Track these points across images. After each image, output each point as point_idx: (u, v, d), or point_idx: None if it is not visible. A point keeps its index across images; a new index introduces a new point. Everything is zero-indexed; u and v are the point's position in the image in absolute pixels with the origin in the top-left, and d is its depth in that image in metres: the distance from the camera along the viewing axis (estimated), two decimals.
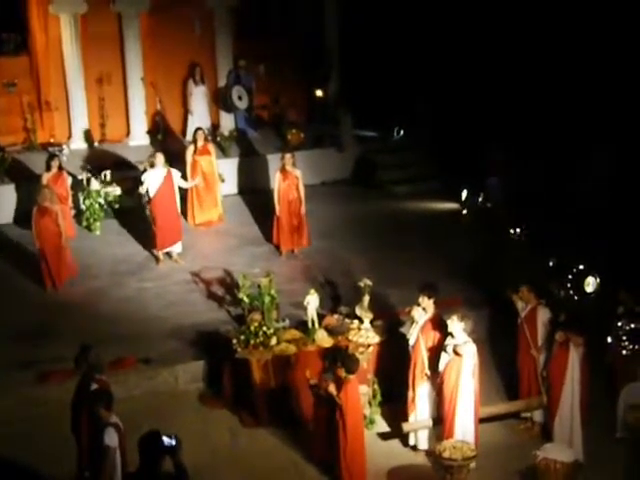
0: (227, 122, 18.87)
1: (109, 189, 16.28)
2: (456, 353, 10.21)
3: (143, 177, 14.86)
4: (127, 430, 8.56)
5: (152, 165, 14.89)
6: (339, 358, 10.24)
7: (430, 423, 10.83)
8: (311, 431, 10.64)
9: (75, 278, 14.12)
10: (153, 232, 14.79)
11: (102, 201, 16.15)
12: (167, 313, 13.29)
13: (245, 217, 16.85)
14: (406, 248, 15.39)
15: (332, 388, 9.91)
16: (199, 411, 11.52)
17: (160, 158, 14.77)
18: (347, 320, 12.06)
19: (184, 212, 15.81)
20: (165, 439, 7.28)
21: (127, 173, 16.80)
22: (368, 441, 10.32)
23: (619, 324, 11.55)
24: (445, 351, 10.36)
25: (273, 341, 11.48)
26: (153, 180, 14.64)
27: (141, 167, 15.95)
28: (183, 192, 15.53)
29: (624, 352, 11.39)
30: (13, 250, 15.15)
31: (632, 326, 11.49)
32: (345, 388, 9.86)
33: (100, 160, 17.22)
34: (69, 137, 17.84)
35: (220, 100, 18.70)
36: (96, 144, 17.90)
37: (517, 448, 10.69)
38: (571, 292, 13.19)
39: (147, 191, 14.76)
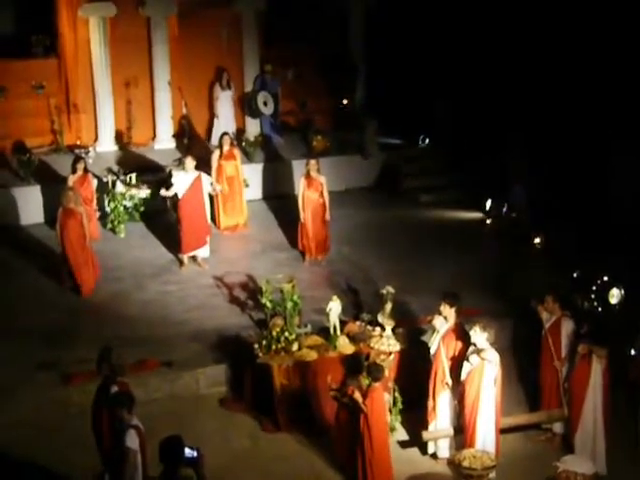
0: (253, 127, 18.89)
1: (134, 192, 16.37)
2: (480, 358, 10.18)
3: (173, 180, 14.93)
4: (148, 433, 8.58)
5: (183, 167, 14.97)
6: (364, 366, 10.23)
7: (451, 432, 10.80)
8: (332, 437, 10.64)
9: (99, 280, 14.17)
10: (179, 235, 14.87)
11: (127, 204, 16.24)
12: (189, 317, 13.33)
13: (269, 222, 16.85)
14: (429, 256, 15.34)
15: (357, 395, 9.91)
16: (219, 415, 11.54)
17: (190, 162, 14.82)
18: (369, 327, 12.06)
19: (212, 217, 15.90)
20: (187, 450, 7.13)
21: (152, 176, 16.87)
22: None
23: None
24: (467, 360, 10.34)
25: (294, 347, 11.51)
26: (182, 183, 14.70)
27: (174, 172, 15.95)
28: (210, 197, 15.59)
29: None
30: (39, 250, 15.22)
31: None
32: (371, 396, 9.87)
33: (125, 163, 17.32)
34: (95, 139, 17.93)
35: (245, 105, 18.74)
36: (122, 147, 18.00)
37: (537, 459, 10.63)
38: (595, 304, 13.10)
39: (175, 194, 14.83)
